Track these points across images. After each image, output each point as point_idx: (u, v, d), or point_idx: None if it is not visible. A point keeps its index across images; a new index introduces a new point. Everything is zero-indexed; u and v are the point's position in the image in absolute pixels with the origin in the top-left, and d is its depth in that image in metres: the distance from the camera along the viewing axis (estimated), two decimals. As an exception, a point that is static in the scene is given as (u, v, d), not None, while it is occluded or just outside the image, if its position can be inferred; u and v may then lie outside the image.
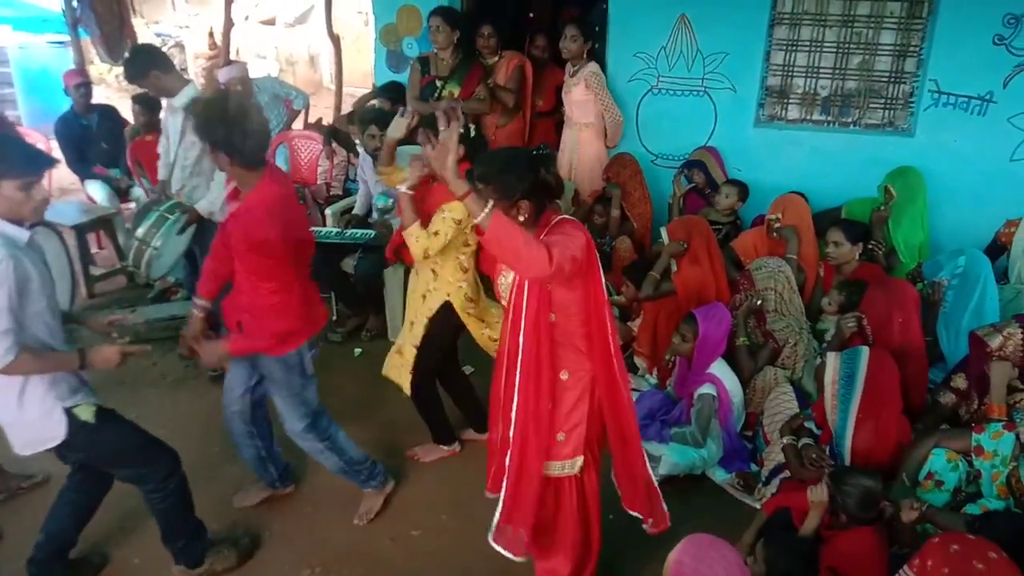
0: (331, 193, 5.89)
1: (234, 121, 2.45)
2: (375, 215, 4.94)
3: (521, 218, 2.14)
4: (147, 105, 5.62)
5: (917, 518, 2.60)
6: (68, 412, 2.48)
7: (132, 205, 6.07)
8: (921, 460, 2.87)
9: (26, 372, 2.36)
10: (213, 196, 4.03)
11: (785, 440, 3.23)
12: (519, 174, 2.13)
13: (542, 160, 2.23)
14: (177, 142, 4.14)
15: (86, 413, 2.52)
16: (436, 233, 3.09)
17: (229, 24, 7.95)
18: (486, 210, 1.95)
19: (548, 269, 1.98)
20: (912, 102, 4.87)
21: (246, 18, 14.50)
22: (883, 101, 4.96)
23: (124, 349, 2.51)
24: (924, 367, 3.48)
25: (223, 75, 6.23)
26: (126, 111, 6.42)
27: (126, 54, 7.06)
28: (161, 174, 4.37)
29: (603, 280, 2.30)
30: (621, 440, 2.50)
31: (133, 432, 2.70)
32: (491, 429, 2.63)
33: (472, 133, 3.57)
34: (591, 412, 2.40)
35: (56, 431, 2.47)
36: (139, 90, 5.24)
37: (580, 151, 5.20)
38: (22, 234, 2.36)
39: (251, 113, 2.52)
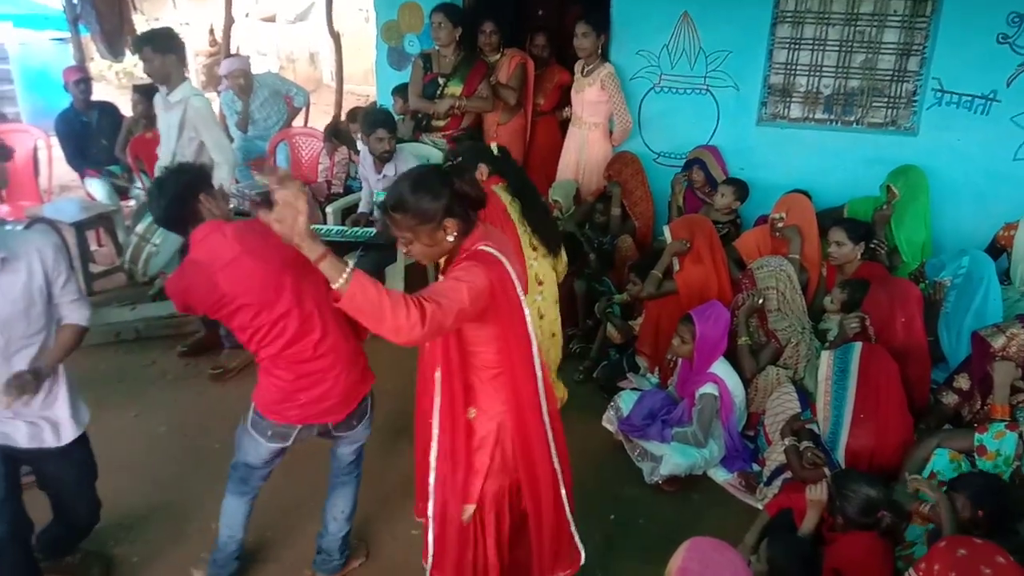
0: (332, 191, 5.88)
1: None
2: (377, 212, 4.93)
3: (450, 238, 2.01)
4: (147, 95, 5.60)
5: (923, 519, 2.60)
6: None
7: (132, 203, 6.06)
8: (924, 460, 2.87)
9: None
10: None
11: (787, 441, 3.22)
12: (434, 194, 1.96)
13: (454, 172, 2.11)
14: (175, 138, 4.15)
15: None
16: None
17: (230, 21, 7.93)
18: (344, 275, 1.77)
19: (419, 332, 1.80)
20: (915, 101, 4.86)
21: (247, 15, 14.47)
22: (886, 100, 4.94)
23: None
24: (927, 367, 3.47)
25: (224, 67, 6.24)
26: (126, 107, 6.41)
27: (127, 49, 7.06)
28: (159, 169, 4.38)
29: (527, 316, 2.10)
30: (533, 498, 2.27)
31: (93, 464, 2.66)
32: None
33: (495, 150, 3.52)
34: (499, 463, 2.21)
35: None
36: (140, 81, 5.23)
37: (588, 151, 5.18)
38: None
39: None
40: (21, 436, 2.45)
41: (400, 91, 5.67)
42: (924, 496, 2.65)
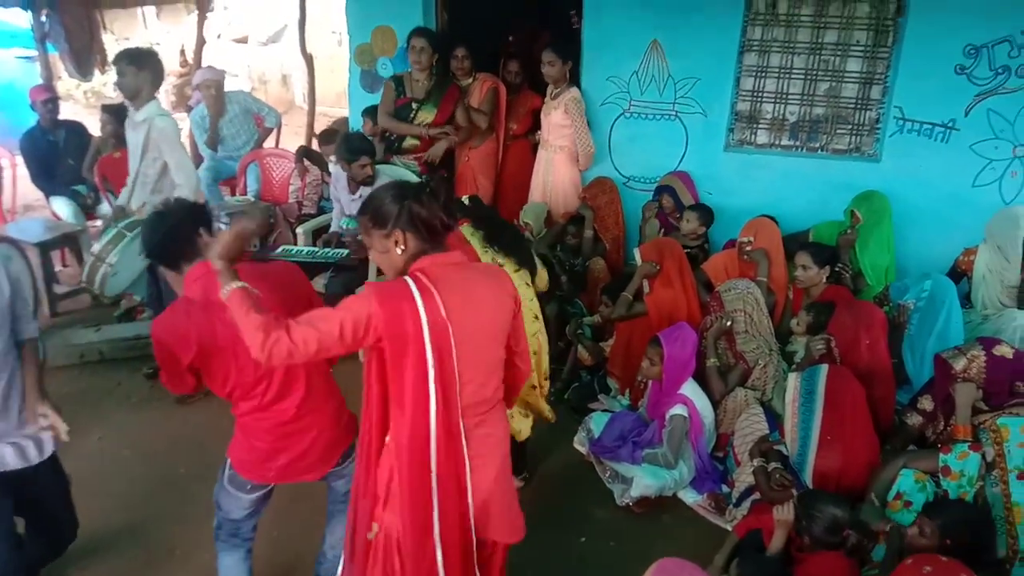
0: (303, 211, 5.86)
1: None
2: (343, 233, 4.92)
3: (398, 250, 1.97)
4: (116, 115, 5.55)
5: (890, 540, 2.63)
6: None
7: (98, 222, 5.99)
8: (890, 481, 2.90)
9: None
10: None
11: (755, 462, 3.25)
12: (389, 203, 1.96)
13: (417, 192, 1.99)
14: (139, 158, 4.11)
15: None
16: None
17: (201, 42, 7.93)
18: (229, 286, 1.90)
19: (258, 354, 1.82)
20: (878, 128, 4.98)
21: (219, 36, 14.42)
22: (850, 127, 5.06)
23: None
24: (892, 388, 3.52)
25: (198, 76, 6.23)
26: (94, 127, 6.35)
27: (95, 69, 7.01)
28: (120, 199, 4.34)
29: (428, 359, 1.91)
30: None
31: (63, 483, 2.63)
32: None
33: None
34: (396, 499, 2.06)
35: None
36: (108, 101, 5.18)
37: (554, 173, 5.23)
38: None
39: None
40: (10, 458, 2.43)
41: (370, 112, 5.67)
42: (893, 515, 2.69)
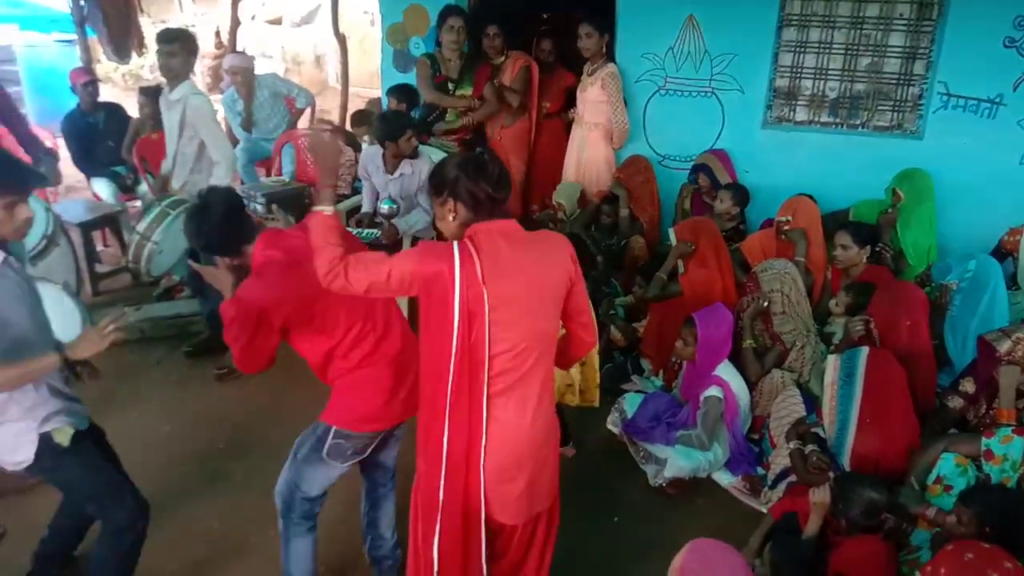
0: (337, 192, 5.88)
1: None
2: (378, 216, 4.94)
3: (450, 218, 2.08)
4: (153, 97, 5.62)
5: (929, 524, 2.59)
6: (41, 436, 2.36)
7: (138, 203, 6.08)
8: (930, 464, 2.85)
9: (4, 385, 2.20)
10: None
11: (791, 445, 3.21)
12: (445, 174, 2.07)
13: (466, 164, 2.07)
14: (176, 137, 4.16)
15: (62, 436, 2.41)
16: None
17: (236, 23, 7.97)
18: (321, 208, 2.11)
19: (323, 281, 2.05)
20: (921, 104, 4.84)
21: (252, 17, 14.50)
22: (892, 103, 4.93)
23: (104, 331, 2.27)
24: (933, 371, 3.46)
25: (227, 61, 6.29)
26: (132, 109, 6.43)
27: (133, 51, 7.10)
28: (164, 167, 4.38)
29: (454, 321, 1.99)
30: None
31: (103, 470, 2.57)
32: None
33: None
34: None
35: (25, 454, 2.36)
36: (146, 83, 5.23)
37: (588, 151, 5.19)
38: (20, 250, 2.31)
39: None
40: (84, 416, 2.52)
41: (395, 91, 5.68)
42: (932, 499, 2.64)
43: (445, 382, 2.03)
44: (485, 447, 2.07)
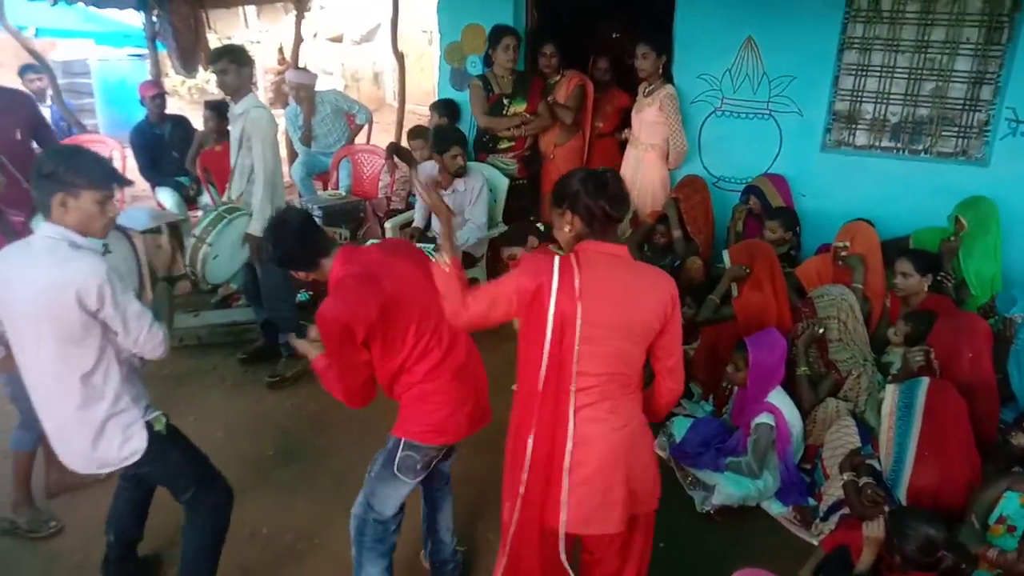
0: (391, 207, 5.97)
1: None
2: (431, 231, 5.00)
3: (566, 228, 2.15)
4: (218, 111, 5.79)
5: (991, 565, 2.49)
6: (147, 424, 2.47)
7: (199, 212, 6.25)
8: (992, 503, 2.75)
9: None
10: (257, 215, 4.09)
11: (845, 476, 3.12)
12: (568, 185, 2.14)
13: (588, 180, 2.11)
14: (236, 150, 4.24)
15: (159, 423, 2.51)
16: None
17: (298, 40, 8.18)
18: (444, 263, 2.21)
19: (451, 319, 2.21)
20: (987, 131, 4.72)
21: (315, 35, 14.86)
22: (956, 129, 4.81)
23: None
24: (995, 405, 3.35)
25: (290, 76, 6.45)
26: (197, 121, 6.63)
27: (200, 66, 7.33)
28: (227, 194, 4.47)
29: (547, 333, 2.05)
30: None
31: (197, 453, 2.70)
32: None
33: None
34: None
35: (138, 442, 2.45)
36: (211, 96, 5.37)
37: (643, 172, 5.16)
38: (98, 245, 2.39)
39: None
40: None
41: (436, 107, 5.78)
42: (993, 540, 2.54)
43: (536, 391, 2.10)
44: (571, 458, 2.08)
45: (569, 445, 2.08)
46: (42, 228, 2.28)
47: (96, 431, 2.39)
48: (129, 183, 2.49)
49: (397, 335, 2.39)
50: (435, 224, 4.61)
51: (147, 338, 2.40)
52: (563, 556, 2.15)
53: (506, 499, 2.23)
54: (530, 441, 2.11)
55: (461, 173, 4.71)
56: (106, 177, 2.33)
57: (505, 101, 5.15)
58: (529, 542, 2.18)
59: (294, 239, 2.44)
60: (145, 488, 2.83)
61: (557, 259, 2.07)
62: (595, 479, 2.10)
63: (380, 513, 2.56)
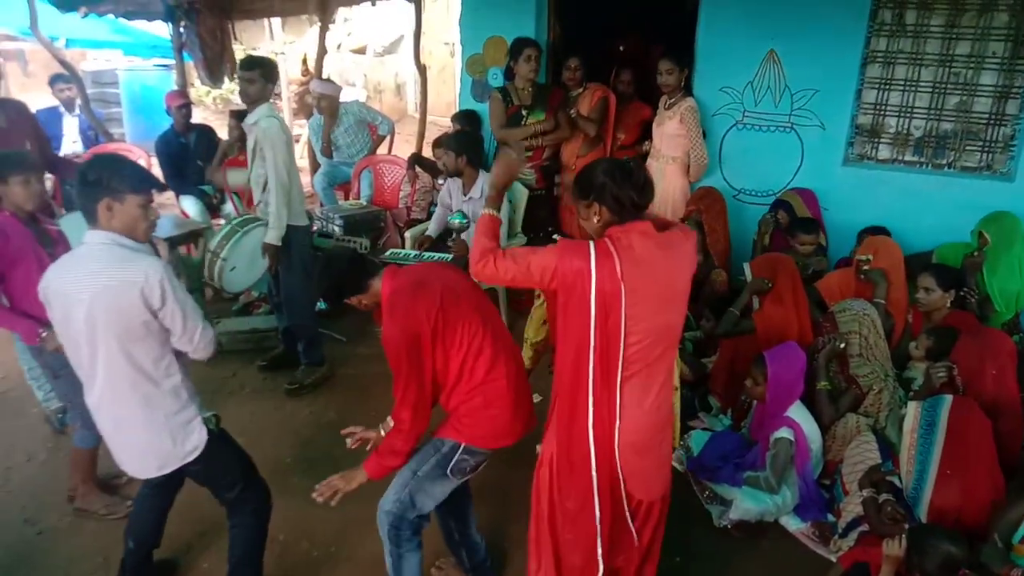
0: (411, 216, 6.01)
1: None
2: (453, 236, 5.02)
3: (595, 219, 2.24)
4: (242, 120, 5.85)
5: None
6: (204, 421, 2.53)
7: (222, 221, 6.32)
8: (1016, 522, 2.70)
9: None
10: (273, 224, 4.12)
11: (865, 493, 3.09)
12: (593, 178, 2.22)
13: (616, 169, 2.21)
14: (251, 159, 4.28)
15: (211, 423, 2.57)
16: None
17: (322, 52, 8.27)
18: (488, 210, 2.31)
19: (473, 267, 2.25)
20: (1013, 145, 4.67)
21: (338, 46, 15.02)
22: (981, 143, 4.77)
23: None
24: (1019, 423, 3.29)
25: (315, 86, 6.51)
26: (222, 131, 6.71)
27: (225, 77, 7.43)
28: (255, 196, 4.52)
29: (591, 315, 2.15)
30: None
31: (241, 450, 2.76)
32: None
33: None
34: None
35: (199, 437, 2.51)
36: (236, 106, 5.43)
37: (664, 185, 5.15)
38: (147, 249, 2.45)
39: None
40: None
41: (456, 118, 5.85)
42: (1018, 559, 2.50)
43: (585, 372, 2.20)
44: (619, 429, 2.24)
45: (617, 417, 2.23)
46: (91, 235, 2.33)
47: (158, 429, 2.44)
48: (165, 187, 2.54)
49: (456, 330, 2.47)
50: (450, 219, 4.67)
51: (201, 336, 2.45)
52: (630, 520, 2.40)
53: (568, 488, 2.33)
54: (590, 423, 2.23)
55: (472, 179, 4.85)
56: (146, 182, 2.40)
57: (524, 112, 5.17)
58: (605, 513, 2.33)
59: (346, 268, 2.57)
60: (169, 495, 2.86)
61: (592, 245, 2.15)
62: (639, 445, 2.28)
63: (421, 510, 2.62)
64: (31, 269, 3.02)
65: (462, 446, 2.56)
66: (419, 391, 2.47)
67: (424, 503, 2.61)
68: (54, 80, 7.01)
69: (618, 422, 2.24)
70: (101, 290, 2.24)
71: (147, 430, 2.43)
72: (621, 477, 2.30)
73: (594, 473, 2.28)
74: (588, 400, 2.22)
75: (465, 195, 4.87)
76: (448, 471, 2.57)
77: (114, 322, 2.27)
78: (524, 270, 2.18)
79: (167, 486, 2.78)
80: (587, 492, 2.30)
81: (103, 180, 2.29)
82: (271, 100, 4.31)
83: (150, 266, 2.29)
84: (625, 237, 2.16)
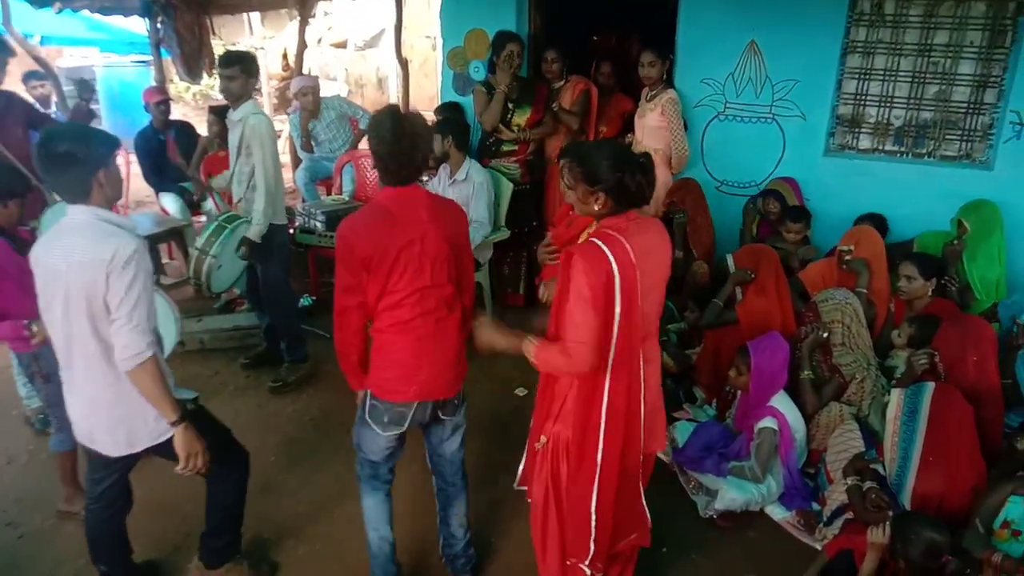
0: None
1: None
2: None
3: (596, 207, 2.23)
4: (221, 116, 5.80)
5: (995, 570, 2.48)
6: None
7: (203, 218, 6.27)
8: (997, 507, 2.72)
9: (147, 379, 2.33)
10: (257, 220, 4.09)
11: (849, 481, 3.11)
12: (604, 166, 2.19)
13: (631, 162, 2.22)
14: (235, 155, 4.24)
15: (187, 404, 2.54)
16: None
17: (302, 47, 8.20)
18: (529, 351, 2.29)
19: (571, 369, 2.22)
20: (992, 134, 4.70)
21: (319, 41, 14.91)
22: (960, 132, 4.80)
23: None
24: (1000, 409, 3.32)
25: (294, 84, 6.46)
26: (201, 127, 6.65)
27: (204, 72, 7.35)
28: (216, 182, 4.47)
29: (616, 303, 2.19)
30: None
31: (217, 424, 2.78)
32: None
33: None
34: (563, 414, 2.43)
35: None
36: (215, 102, 5.38)
37: (647, 176, 5.17)
38: (133, 225, 2.41)
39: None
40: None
41: (442, 109, 5.83)
42: (998, 544, 2.52)
43: (606, 360, 2.21)
44: (645, 395, 2.35)
45: (642, 387, 2.33)
46: (76, 211, 2.27)
47: (131, 407, 2.40)
48: (119, 143, 2.46)
49: (385, 272, 2.40)
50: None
51: (128, 338, 2.26)
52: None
53: (575, 472, 2.36)
54: (604, 407, 2.27)
55: (443, 160, 4.89)
56: (112, 139, 2.36)
57: (510, 106, 5.15)
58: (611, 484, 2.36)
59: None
60: (122, 506, 2.78)
61: (598, 241, 2.17)
62: (650, 405, 2.40)
63: (365, 454, 2.70)
64: (12, 284, 2.99)
65: (368, 392, 2.59)
66: (339, 294, 2.47)
67: (365, 447, 2.68)
68: (27, 77, 6.91)
69: (643, 401, 2.34)
70: (75, 265, 2.21)
71: (120, 407, 2.40)
72: (643, 440, 2.40)
73: (599, 458, 2.32)
74: (605, 387, 2.26)
75: (451, 178, 4.87)
76: (366, 416, 2.59)
77: (84, 297, 2.23)
78: (590, 328, 2.13)
79: (113, 496, 2.70)
80: (589, 478, 2.33)
81: (91, 153, 2.24)
82: (253, 96, 4.28)
83: (124, 242, 2.24)
84: (625, 223, 2.22)
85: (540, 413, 2.49)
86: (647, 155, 2.29)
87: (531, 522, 2.58)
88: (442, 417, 2.69)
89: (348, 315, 2.49)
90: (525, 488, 2.67)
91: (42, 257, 2.29)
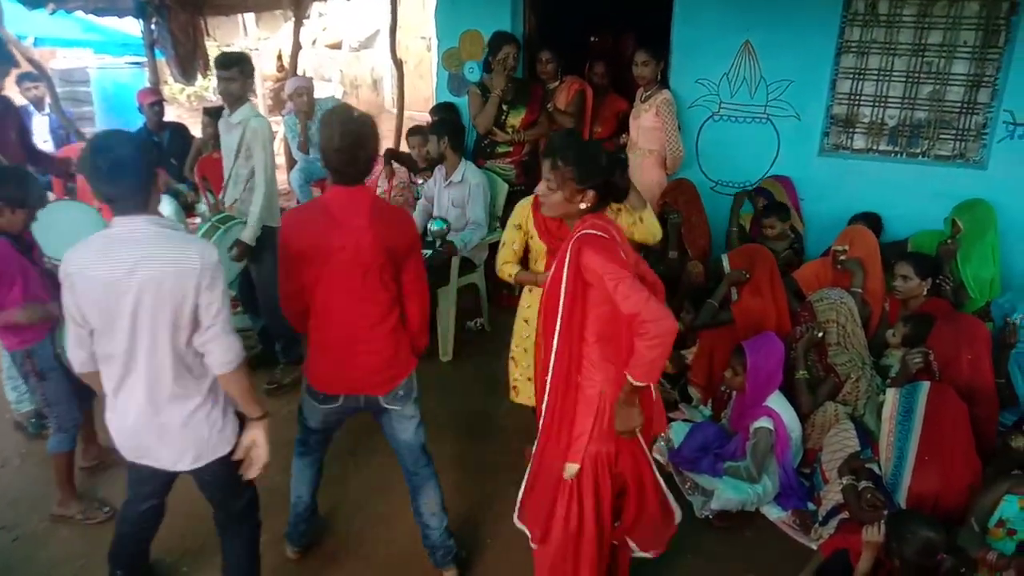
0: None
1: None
2: (429, 235, 5.00)
3: (583, 205, 2.27)
4: (216, 117, 5.78)
5: (990, 568, 2.48)
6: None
7: (198, 220, 6.25)
8: (992, 506, 2.74)
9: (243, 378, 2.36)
10: (252, 223, 4.08)
11: (845, 480, 3.12)
12: (598, 166, 2.25)
13: (620, 164, 2.35)
14: (233, 158, 4.24)
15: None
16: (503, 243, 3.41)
17: (297, 48, 8.19)
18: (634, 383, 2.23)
19: (668, 318, 2.16)
20: (985, 134, 4.72)
21: (313, 42, 14.89)
22: (954, 132, 4.82)
23: None
24: (994, 408, 3.34)
25: (289, 86, 6.45)
26: (196, 129, 6.63)
27: (198, 73, 7.34)
28: (221, 196, 4.47)
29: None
30: (635, 467, 2.51)
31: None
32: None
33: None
34: (599, 430, 2.34)
35: (232, 431, 2.43)
36: (210, 103, 5.36)
37: (641, 177, 5.13)
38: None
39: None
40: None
41: (437, 110, 5.83)
42: (993, 543, 2.53)
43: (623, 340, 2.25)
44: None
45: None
46: (138, 221, 2.17)
47: (198, 419, 2.33)
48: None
49: (315, 268, 2.48)
50: (431, 225, 4.61)
51: (223, 339, 2.26)
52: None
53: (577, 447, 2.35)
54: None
55: (434, 163, 4.92)
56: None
57: (504, 107, 5.14)
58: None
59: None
60: (156, 524, 2.76)
61: (603, 234, 2.23)
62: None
63: (304, 419, 2.87)
64: (19, 285, 3.00)
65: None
66: (281, 281, 2.58)
67: (305, 412, 2.84)
68: (21, 79, 6.89)
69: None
70: (156, 276, 2.12)
71: (186, 420, 2.31)
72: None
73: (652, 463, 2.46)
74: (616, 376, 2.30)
75: (447, 180, 4.85)
76: (306, 390, 2.74)
77: (170, 309, 2.15)
78: (638, 282, 2.15)
79: (151, 516, 2.69)
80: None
81: (148, 160, 2.19)
82: (251, 99, 4.28)
83: (204, 248, 2.21)
84: (604, 223, 2.28)
85: (550, 441, 2.41)
86: (624, 153, 2.38)
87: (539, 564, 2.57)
88: (385, 406, 2.71)
89: (289, 302, 2.62)
90: (524, 527, 2.61)
91: (90, 271, 2.13)
